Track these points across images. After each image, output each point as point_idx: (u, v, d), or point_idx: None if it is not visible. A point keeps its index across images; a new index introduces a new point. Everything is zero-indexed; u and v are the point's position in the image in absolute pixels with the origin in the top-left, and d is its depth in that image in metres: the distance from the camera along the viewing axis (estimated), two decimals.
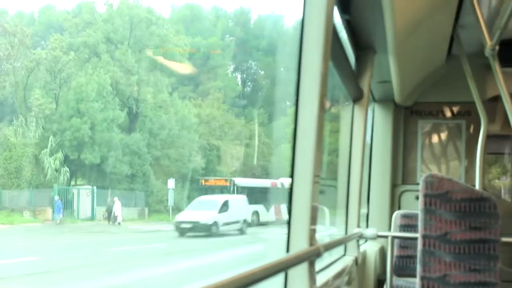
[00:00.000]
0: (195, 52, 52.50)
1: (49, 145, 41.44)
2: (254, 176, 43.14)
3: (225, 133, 50.45)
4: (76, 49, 46.79)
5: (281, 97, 51.64)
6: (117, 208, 38.36)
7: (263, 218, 38.48)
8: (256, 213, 38.17)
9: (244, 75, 64.03)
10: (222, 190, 38.34)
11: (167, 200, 41.08)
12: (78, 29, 49.36)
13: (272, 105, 52.10)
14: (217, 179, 40.65)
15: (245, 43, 56.67)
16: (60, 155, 41.64)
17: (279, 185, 39.89)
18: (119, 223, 37.58)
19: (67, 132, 42.29)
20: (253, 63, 63.12)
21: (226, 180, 39.74)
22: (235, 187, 38.29)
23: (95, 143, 42.80)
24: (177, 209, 38.46)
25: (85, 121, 42.41)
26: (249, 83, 63.68)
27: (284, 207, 38.78)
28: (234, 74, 62.43)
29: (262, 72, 62.53)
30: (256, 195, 38.92)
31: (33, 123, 42.26)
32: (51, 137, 41.91)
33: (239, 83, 61.76)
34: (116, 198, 38.79)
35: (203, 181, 40.69)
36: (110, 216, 38.30)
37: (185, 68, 51.26)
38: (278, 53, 54.64)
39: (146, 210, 41.92)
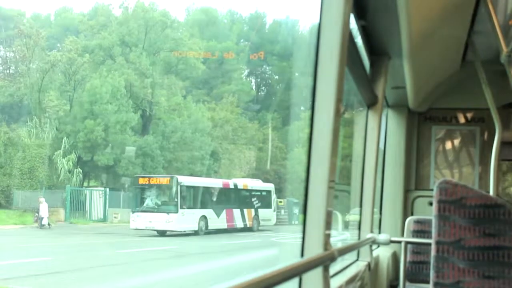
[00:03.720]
0: (210, 56, 52.65)
1: (62, 146, 41.67)
2: (267, 180, 42.07)
3: (238, 136, 50.49)
4: (91, 51, 47.13)
5: (295, 102, 51.66)
6: (44, 210, 34.50)
7: (212, 225, 34.43)
8: (203, 218, 34.18)
9: (259, 79, 64.13)
10: (164, 190, 33.96)
11: None
12: (94, 32, 49.76)
13: (286, 110, 52.14)
14: (157, 178, 35.47)
15: (259, 47, 56.75)
16: (73, 156, 41.88)
17: (231, 186, 37.54)
18: (48, 225, 34.20)
19: (81, 133, 42.54)
20: (267, 67, 63.17)
21: (169, 180, 34.11)
22: (179, 187, 33.24)
23: (108, 145, 43.00)
24: None
25: (98, 123, 42.64)
26: (263, 87, 63.77)
27: (237, 212, 36.62)
28: (248, 78, 62.55)
29: (277, 77, 62.61)
30: (205, 197, 35.27)
31: (47, 124, 42.50)
32: (65, 138, 42.17)
33: (253, 87, 61.86)
34: (43, 199, 34.88)
35: (140, 179, 35.55)
36: (38, 219, 34.61)
37: (199, 71, 51.40)
38: (293, 58, 54.65)
39: None
